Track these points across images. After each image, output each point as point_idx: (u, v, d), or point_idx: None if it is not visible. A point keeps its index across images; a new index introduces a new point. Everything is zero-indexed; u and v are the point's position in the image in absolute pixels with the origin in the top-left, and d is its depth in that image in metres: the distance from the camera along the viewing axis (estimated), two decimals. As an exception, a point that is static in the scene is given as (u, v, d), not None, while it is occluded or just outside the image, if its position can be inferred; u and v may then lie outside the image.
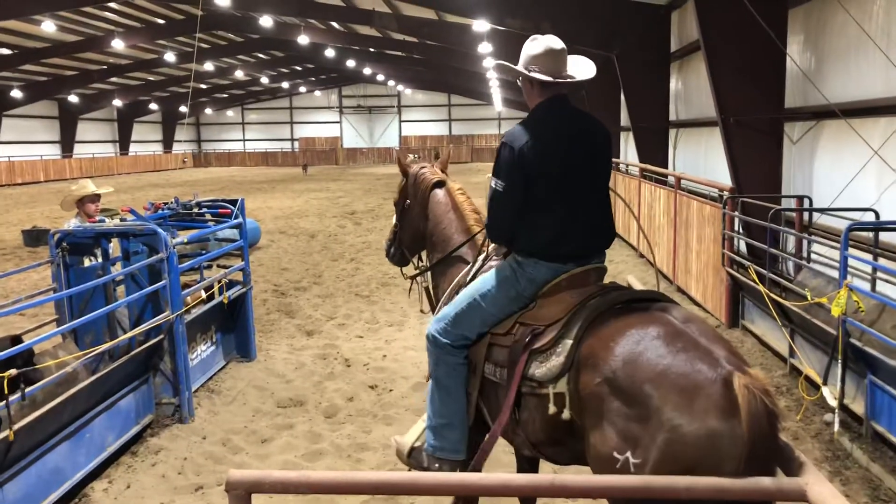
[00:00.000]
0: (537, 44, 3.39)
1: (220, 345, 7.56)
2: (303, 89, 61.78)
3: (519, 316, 3.39)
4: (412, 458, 3.75)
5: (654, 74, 15.59)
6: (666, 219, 11.77)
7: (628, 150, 21.27)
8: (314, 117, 65.35)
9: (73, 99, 46.39)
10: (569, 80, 3.41)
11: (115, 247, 6.53)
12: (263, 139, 65.62)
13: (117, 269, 6.34)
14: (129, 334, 5.81)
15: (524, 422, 3.25)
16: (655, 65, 15.51)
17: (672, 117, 16.31)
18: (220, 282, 7.39)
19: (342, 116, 65.09)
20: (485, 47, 23.37)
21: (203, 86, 53.53)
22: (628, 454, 2.58)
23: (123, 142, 55.57)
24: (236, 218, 7.70)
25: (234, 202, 7.88)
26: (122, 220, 7.08)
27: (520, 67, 3.41)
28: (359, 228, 19.12)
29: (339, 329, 9.28)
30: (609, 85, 19.88)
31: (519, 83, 3.54)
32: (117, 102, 49.95)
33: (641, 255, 13.56)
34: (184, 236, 7.04)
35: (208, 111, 63.43)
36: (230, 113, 65.84)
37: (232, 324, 7.80)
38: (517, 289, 3.42)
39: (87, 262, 6.31)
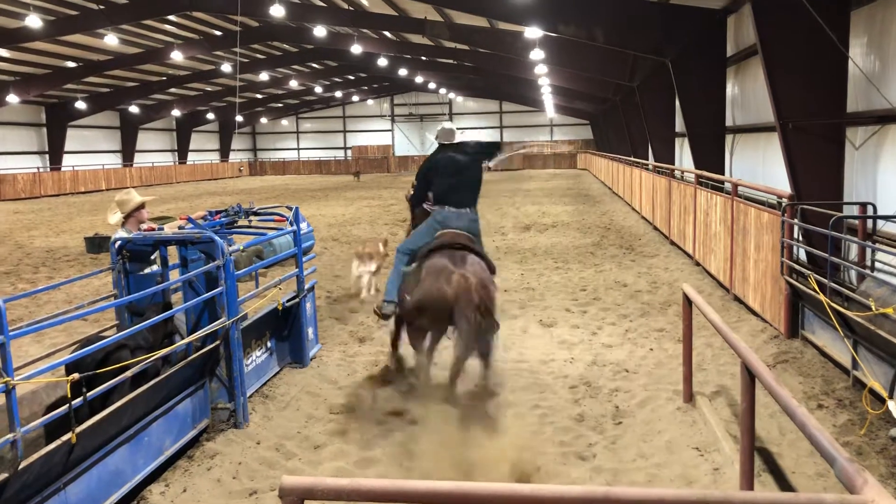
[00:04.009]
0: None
1: (275, 351, 7.66)
2: (355, 98, 62.54)
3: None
4: (377, 309, 7.09)
5: (710, 79, 15.35)
6: (723, 226, 11.55)
7: (683, 157, 20.96)
8: (367, 126, 66.10)
9: (133, 109, 47.83)
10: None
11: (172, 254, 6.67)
12: (317, 147, 66.61)
13: (175, 276, 6.48)
14: (186, 340, 5.92)
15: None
16: (711, 70, 15.27)
17: (728, 122, 16.03)
18: (277, 287, 7.50)
19: (394, 125, 65.68)
20: (537, 54, 23.32)
21: (258, 95, 54.59)
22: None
23: (182, 151, 57.02)
24: (291, 226, 7.80)
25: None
26: (179, 227, 7.21)
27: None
28: (410, 236, 19.16)
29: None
30: (663, 91, 19.63)
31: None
32: (176, 112, 51.35)
33: (697, 264, 13.33)
34: (240, 244, 7.15)
35: (263, 120, 64.64)
36: (285, 122, 67.01)
37: (286, 330, 7.89)
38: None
39: (146, 269, 6.47)
